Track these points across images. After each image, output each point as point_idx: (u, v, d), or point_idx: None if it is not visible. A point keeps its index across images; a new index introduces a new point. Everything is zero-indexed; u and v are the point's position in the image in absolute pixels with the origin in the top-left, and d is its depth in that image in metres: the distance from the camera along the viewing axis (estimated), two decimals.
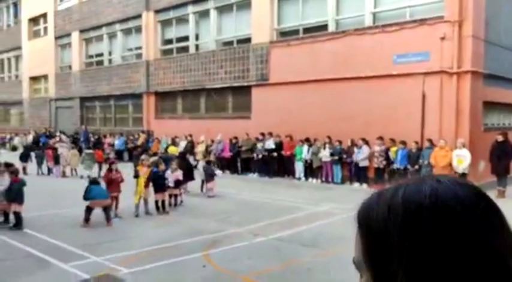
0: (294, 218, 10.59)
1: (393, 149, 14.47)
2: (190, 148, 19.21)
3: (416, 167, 13.77)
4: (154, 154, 16.84)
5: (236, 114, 20.14)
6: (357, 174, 15.43)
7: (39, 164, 18.92)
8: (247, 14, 19.46)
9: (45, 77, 31.43)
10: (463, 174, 12.45)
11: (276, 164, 17.65)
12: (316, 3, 17.41)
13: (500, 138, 13.19)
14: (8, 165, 10.51)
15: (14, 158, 16.12)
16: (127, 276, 6.70)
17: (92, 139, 24.39)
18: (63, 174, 18.29)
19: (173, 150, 18.52)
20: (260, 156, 17.79)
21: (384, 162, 14.59)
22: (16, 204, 9.54)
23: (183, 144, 20.14)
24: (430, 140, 13.76)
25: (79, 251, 7.95)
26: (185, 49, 22.41)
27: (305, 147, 16.54)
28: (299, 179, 16.80)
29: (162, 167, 11.75)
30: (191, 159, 15.79)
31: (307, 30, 17.63)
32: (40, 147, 21.39)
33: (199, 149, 19.38)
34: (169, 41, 23.58)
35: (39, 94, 32.48)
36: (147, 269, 7.05)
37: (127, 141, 23.45)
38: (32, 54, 32.23)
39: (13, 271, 6.96)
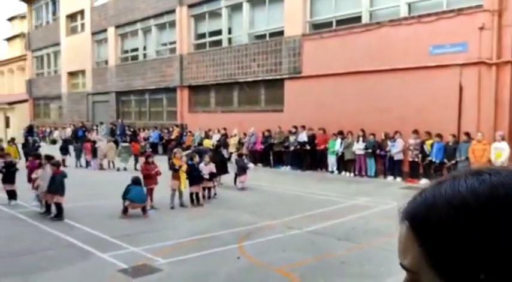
0: (327, 211, 10.57)
1: (428, 142, 14.19)
2: (224, 141, 19.39)
3: (453, 161, 13.48)
4: (188, 147, 17.09)
5: (269, 107, 20.17)
6: (391, 167, 15.23)
7: (78, 157, 19.50)
8: (280, 6, 19.40)
9: (83, 72, 32.26)
10: None
11: (309, 157, 17.61)
12: None
13: None
14: (49, 158, 10.90)
15: (54, 151, 16.64)
16: (164, 267, 6.87)
17: (128, 132, 24.94)
18: (101, 167, 18.81)
19: (208, 143, 18.77)
20: (292, 148, 17.78)
21: (420, 156, 14.34)
22: (58, 196, 9.89)
23: (216, 137, 20.35)
24: (467, 133, 13.42)
25: (117, 241, 8.19)
26: (218, 43, 22.55)
27: (338, 141, 16.44)
28: (332, 172, 16.71)
29: (196, 159, 11.94)
30: (225, 152, 15.95)
31: (340, 22, 17.44)
32: (78, 141, 22.00)
33: (232, 142, 19.55)
34: (202, 35, 23.77)
35: (77, 89, 33.38)
36: (182, 260, 7.20)
37: (161, 135, 23.87)
38: (69, 50, 33.12)
39: (56, 260, 7.24)
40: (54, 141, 29.89)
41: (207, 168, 11.88)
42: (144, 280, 6.47)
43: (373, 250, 7.58)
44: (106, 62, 30.20)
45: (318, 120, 17.19)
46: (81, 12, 31.98)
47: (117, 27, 28.82)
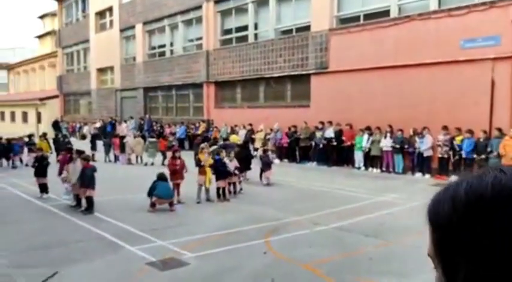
0: (354, 208, 10.49)
1: (458, 138, 13.90)
2: (250, 137, 19.43)
3: (483, 156, 13.17)
4: (215, 142, 17.18)
5: (295, 102, 20.10)
6: (420, 164, 14.98)
7: (107, 152, 19.85)
8: (307, 1, 19.27)
9: (111, 68, 32.80)
10: None
11: (335, 153, 17.49)
12: None
13: None
14: (80, 152, 11.13)
15: (84, 146, 16.96)
16: (191, 260, 6.95)
17: (156, 128, 25.25)
18: (129, 162, 19.11)
19: (235, 139, 18.82)
20: (320, 145, 17.68)
21: (450, 152, 14.06)
22: (89, 189, 10.10)
23: (242, 133, 20.40)
24: (499, 129, 13.09)
25: (145, 234, 8.32)
26: (244, 38, 22.58)
27: (365, 136, 16.26)
28: (358, 168, 16.56)
29: (223, 154, 12.00)
30: (251, 148, 15.97)
31: (368, 16, 17.21)
32: (107, 136, 22.40)
33: (258, 137, 19.57)
34: (229, 31, 23.83)
35: (106, 85, 33.97)
36: (209, 254, 7.27)
37: (188, 130, 24.08)
38: (98, 46, 33.72)
39: (87, 252, 7.41)
40: (84, 137, 30.51)
41: (232, 164, 11.94)
42: (172, 273, 6.55)
43: (402, 247, 7.49)
44: (134, 58, 30.63)
45: (345, 116, 17.04)
46: (110, 9, 32.49)
47: (144, 23, 29.17)
